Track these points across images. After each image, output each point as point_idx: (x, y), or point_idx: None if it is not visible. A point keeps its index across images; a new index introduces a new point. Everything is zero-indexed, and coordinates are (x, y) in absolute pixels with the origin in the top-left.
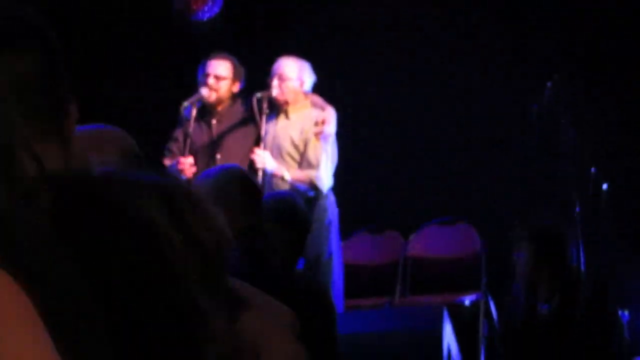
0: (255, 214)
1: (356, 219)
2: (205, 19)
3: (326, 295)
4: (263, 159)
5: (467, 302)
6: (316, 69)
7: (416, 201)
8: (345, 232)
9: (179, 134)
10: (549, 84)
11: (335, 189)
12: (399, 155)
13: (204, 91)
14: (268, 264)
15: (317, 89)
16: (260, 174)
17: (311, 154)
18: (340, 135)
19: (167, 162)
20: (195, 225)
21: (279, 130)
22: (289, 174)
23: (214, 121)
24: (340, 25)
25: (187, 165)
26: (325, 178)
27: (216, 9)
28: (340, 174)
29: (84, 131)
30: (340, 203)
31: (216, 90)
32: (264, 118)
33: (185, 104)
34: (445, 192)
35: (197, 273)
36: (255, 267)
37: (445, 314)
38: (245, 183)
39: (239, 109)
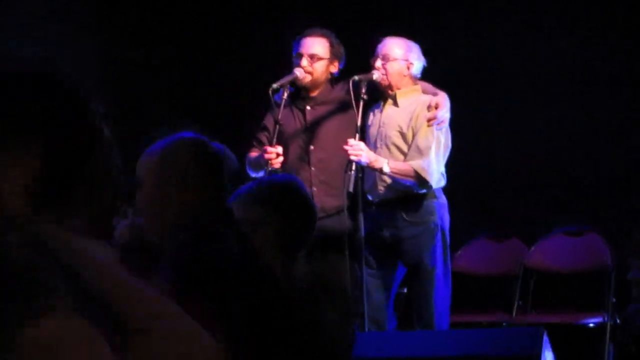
0: (214, 191)
1: (479, 223)
2: None
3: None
4: (357, 149)
5: (591, 324)
6: (429, 53)
7: (546, 206)
8: (466, 237)
9: (268, 121)
10: None
11: (454, 189)
12: (529, 152)
13: (298, 72)
14: (224, 252)
15: (429, 76)
16: (354, 166)
17: (421, 141)
18: (462, 130)
19: (255, 153)
20: None
21: (385, 118)
22: (388, 166)
23: (308, 107)
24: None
25: (274, 154)
26: (434, 169)
27: None
28: (462, 172)
29: None
30: (460, 204)
31: (310, 73)
32: (361, 104)
33: (275, 86)
34: (578, 197)
35: None
36: (202, 255)
37: (545, 338)
38: (201, 154)
39: (337, 94)
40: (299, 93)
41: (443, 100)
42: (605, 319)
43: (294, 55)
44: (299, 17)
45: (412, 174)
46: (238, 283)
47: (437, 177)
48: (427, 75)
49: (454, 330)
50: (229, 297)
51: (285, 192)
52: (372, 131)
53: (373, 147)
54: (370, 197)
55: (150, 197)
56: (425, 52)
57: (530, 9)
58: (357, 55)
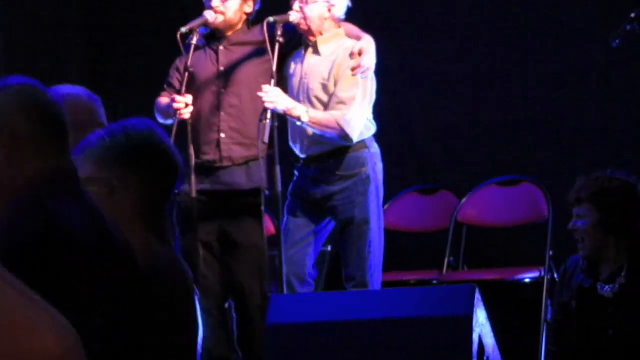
0: (53, 149)
1: (406, 176)
2: None
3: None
4: (272, 96)
5: (527, 280)
6: None
7: (477, 156)
8: (392, 191)
9: (180, 63)
10: (632, 15)
11: (381, 138)
12: (461, 100)
13: (208, 15)
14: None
15: (356, 20)
16: (269, 115)
17: (344, 92)
18: (388, 76)
19: (165, 99)
20: None
21: (307, 68)
22: (308, 115)
23: (221, 48)
24: None
25: (183, 104)
26: (356, 121)
27: None
28: (387, 121)
29: None
30: (385, 157)
31: (222, 13)
32: (276, 48)
33: (184, 30)
34: (511, 145)
35: None
36: (41, 231)
37: (478, 295)
38: (33, 104)
39: (254, 37)
40: (214, 34)
41: (367, 45)
42: (542, 273)
43: None
44: None
45: (334, 125)
46: (86, 265)
47: (359, 130)
48: (353, 16)
49: (381, 290)
50: (75, 282)
51: (146, 145)
52: (294, 82)
53: (296, 99)
54: (297, 152)
55: None
56: None
57: None
58: None
